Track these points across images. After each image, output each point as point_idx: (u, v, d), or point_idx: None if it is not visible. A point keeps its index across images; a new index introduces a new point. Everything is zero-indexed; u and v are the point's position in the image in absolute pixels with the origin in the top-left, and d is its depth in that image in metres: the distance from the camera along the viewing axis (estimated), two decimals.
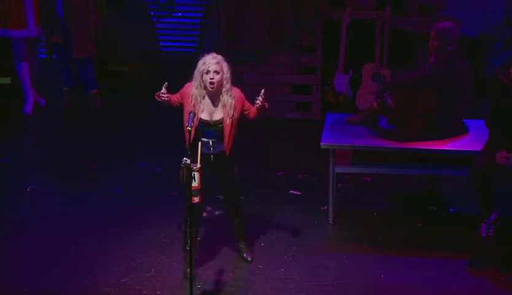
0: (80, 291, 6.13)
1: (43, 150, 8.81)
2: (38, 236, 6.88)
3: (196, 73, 6.16)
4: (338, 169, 7.12)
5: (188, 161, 5.62)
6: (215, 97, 6.16)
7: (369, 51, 9.13)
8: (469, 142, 7.02)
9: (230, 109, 6.15)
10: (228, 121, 6.16)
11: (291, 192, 7.72)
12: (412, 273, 6.42)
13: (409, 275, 6.39)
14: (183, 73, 10.55)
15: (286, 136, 9.12)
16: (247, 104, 6.32)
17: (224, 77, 6.11)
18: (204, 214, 7.18)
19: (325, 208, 7.25)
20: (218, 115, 6.16)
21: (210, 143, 6.16)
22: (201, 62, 6.15)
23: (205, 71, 6.09)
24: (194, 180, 5.66)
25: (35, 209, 7.37)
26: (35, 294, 6.11)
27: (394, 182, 7.76)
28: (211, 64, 6.09)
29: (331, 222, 7.16)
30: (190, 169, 5.62)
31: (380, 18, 9.07)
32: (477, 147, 6.82)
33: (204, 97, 6.15)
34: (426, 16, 9.56)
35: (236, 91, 6.24)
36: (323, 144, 7.03)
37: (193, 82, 6.19)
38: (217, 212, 7.27)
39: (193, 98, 6.14)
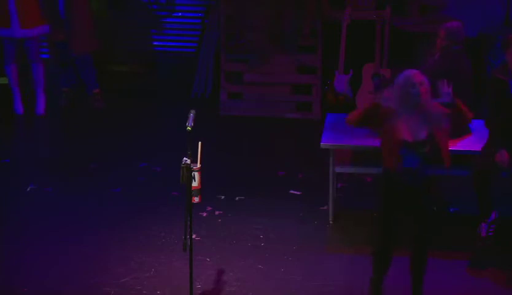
0: (80, 291, 6.12)
1: (43, 150, 8.80)
2: (38, 236, 6.88)
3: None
4: (338, 169, 7.12)
5: (188, 161, 5.62)
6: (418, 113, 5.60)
7: (369, 51, 9.12)
8: (469, 142, 7.02)
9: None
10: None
11: (291, 191, 7.71)
12: None
13: (409, 275, 6.38)
14: (182, 73, 10.62)
15: (286, 136, 9.12)
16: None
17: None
18: (204, 214, 7.19)
19: (325, 208, 7.25)
20: (423, 134, 5.60)
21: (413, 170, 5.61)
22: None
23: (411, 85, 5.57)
24: (194, 180, 5.66)
25: (35, 209, 7.36)
26: (35, 294, 6.11)
27: None
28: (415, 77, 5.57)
29: (331, 222, 7.15)
30: (189, 169, 5.61)
31: (380, 18, 9.06)
32: (477, 147, 6.82)
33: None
34: (426, 16, 9.55)
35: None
36: (323, 144, 7.03)
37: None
38: (217, 212, 7.27)
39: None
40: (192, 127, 5.74)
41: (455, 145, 6.95)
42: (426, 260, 5.88)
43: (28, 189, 7.68)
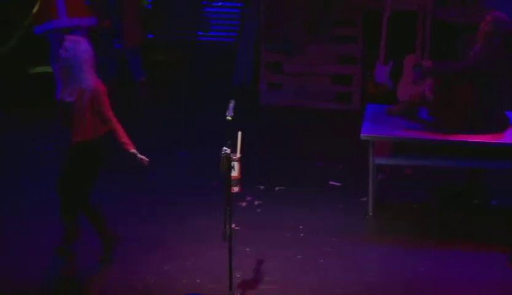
0: (120, 278, 6.17)
1: None
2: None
3: None
4: (378, 161, 7.09)
5: (228, 150, 5.63)
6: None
7: (411, 42, 9.05)
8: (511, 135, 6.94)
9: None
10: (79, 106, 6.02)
11: (331, 182, 7.69)
12: (452, 266, 6.37)
13: (449, 267, 6.35)
14: (223, 63, 10.63)
15: (326, 126, 9.10)
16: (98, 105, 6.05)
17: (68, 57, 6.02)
18: (244, 204, 7.21)
19: (365, 199, 7.22)
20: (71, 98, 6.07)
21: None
22: None
23: None
24: (234, 170, 5.67)
25: None
26: (80, 280, 6.16)
27: (435, 174, 7.70)
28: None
29: (370, 213, 7.12)
30: (229, 159, 5.62)
31: (422, 8, 8.98)
32: None
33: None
34: (468, 6, 9.46)
35: (95, 82, 6.06)
36: (363, 135, 7.00)
37: None
38: (256, 202, 7.28)
39: None
40: (232, 117, 5.74)
41: (498, 138, 6.88)
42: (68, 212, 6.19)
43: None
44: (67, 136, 6.14)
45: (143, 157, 6.09)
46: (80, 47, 6.06)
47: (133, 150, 6.11)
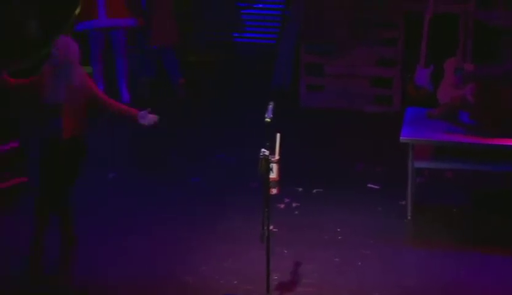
0: (159, 279, 6.21)
1: (123, 140, 8.94)
2: (117, 224, 6.99)
3: None
4: (417, 164, 7.04)
5: (267, 152, 5.64)
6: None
7: (452, 44, 8.98)
8: None
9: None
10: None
11: (369, 185, 7.67)
12: (491, 270, 6.31)
13: (489, 272, 6.29)
14: (262, 64, 10.64)
15: (365, 129, 9.07)
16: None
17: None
18: (282, 206, 7.21)
19: (403, 202, 7.18)
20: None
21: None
22: None
23: None
24: (272, 172, 5.67)
25: (115, 197, 7.47)
26: (112, 282, 6.21)
27: (475, 178, 7.63)
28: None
29: (409, 217, 7.08)
30: (268, 161, 5.63)
31: (463, 11, 8.91)
32: None
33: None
34: (511, 10, 9.36)
35: (85, 79, 6.16)
36: (402, 138, 6.96)
37: None
38: (294, 204, 7.28)
39: None
40: (271, 119, 5.75)
41: None
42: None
43: (110, 176, 7.81)
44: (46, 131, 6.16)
45: (153, 115, 6.19)
46: (70, 47, 6.12)
47: (142, 112, 6.18)
